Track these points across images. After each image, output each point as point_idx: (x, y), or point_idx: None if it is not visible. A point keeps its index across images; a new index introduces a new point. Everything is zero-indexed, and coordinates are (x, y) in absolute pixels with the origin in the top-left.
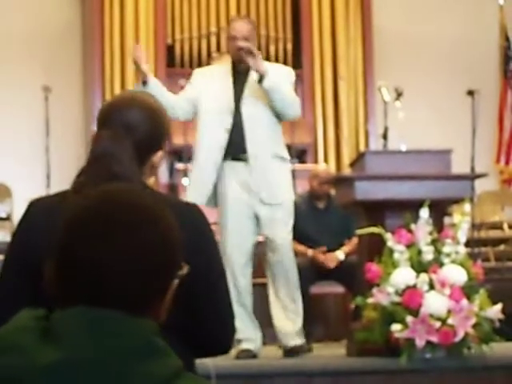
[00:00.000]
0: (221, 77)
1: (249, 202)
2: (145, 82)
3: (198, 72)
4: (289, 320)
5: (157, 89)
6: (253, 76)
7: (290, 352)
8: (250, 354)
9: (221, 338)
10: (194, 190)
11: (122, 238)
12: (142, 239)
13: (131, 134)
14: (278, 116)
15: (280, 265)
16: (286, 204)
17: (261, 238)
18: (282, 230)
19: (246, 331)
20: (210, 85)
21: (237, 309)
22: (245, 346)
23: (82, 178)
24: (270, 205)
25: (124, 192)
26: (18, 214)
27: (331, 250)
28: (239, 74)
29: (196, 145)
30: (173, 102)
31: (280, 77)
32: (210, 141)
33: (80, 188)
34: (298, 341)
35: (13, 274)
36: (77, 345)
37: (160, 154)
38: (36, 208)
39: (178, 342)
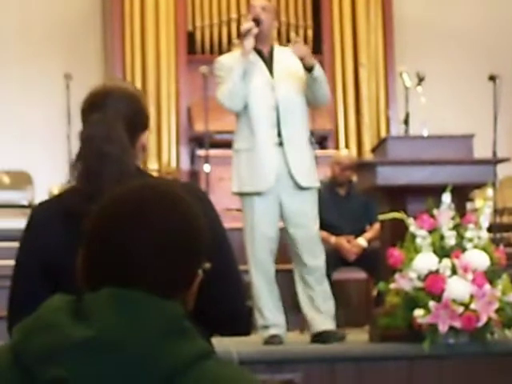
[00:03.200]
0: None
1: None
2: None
3: (224, 60)
4: (315, 306)
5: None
6: (279, 60)
7: (316, 337)
8: (278, 340)
9: (233, 317)
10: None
11: (153, 223)
12: (172, 226)
13: (120, 117)
14: (309, 102)
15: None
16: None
17: (282, 224)
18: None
19: (274, 317)
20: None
21: (265, 295)
22: (273, 331)
23: (75, 162)
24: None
25: (159, 183)
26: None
27: (353, 236)
28: (262, 57)
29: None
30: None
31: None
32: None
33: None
34: (327, 326)
35: (31, 277)
36: (106, 324)
37: (147, 133)
38: (40, 213)
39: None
